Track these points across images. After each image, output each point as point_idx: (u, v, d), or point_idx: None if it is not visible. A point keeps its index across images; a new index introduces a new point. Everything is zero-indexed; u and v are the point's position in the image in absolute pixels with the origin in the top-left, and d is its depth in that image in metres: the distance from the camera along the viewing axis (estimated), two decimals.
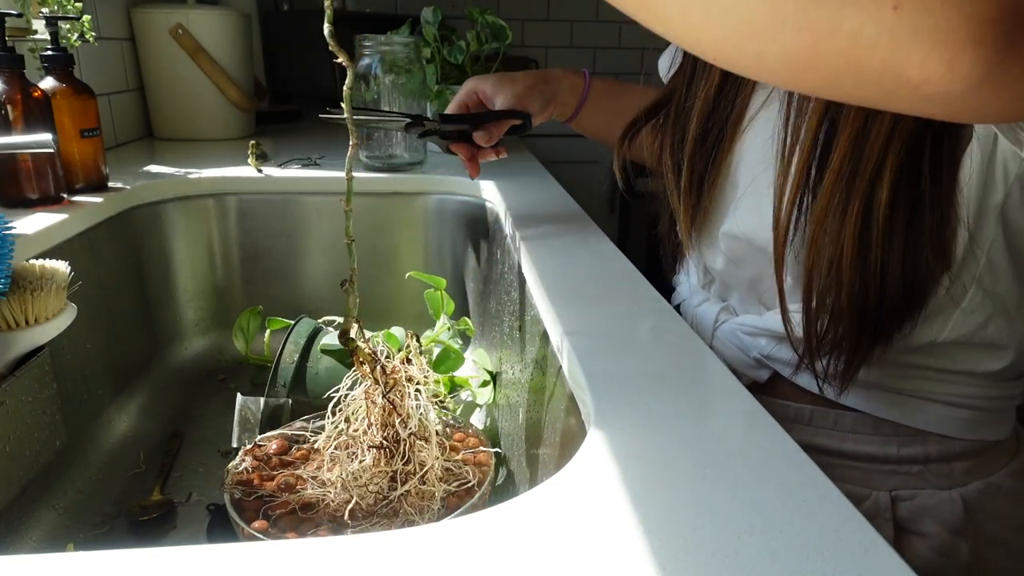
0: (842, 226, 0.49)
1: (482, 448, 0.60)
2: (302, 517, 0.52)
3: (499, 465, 0.68)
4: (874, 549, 0.28)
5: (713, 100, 0.58)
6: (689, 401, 0.40)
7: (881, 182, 0.47)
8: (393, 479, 0.49)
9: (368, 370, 0.49)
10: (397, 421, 0.49)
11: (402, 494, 0.49)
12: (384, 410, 0.49)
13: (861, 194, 0.48)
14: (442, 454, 0.54)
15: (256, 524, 0.51)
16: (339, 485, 0.51)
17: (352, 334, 0.49)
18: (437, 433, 0.53)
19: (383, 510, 0.49)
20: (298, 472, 0.56)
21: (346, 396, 0.51)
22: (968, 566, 0.57)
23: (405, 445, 0.49)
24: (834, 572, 0.27)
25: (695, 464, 0.34)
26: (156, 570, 0.27)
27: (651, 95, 0.78)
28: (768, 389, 0.62)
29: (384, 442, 0.49)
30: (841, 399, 0.56)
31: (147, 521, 0.64)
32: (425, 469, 0.50)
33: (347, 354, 0.51)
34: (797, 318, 0.54)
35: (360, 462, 0.49)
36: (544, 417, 0.54)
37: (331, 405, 0.52)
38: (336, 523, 0.51)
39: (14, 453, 0.56)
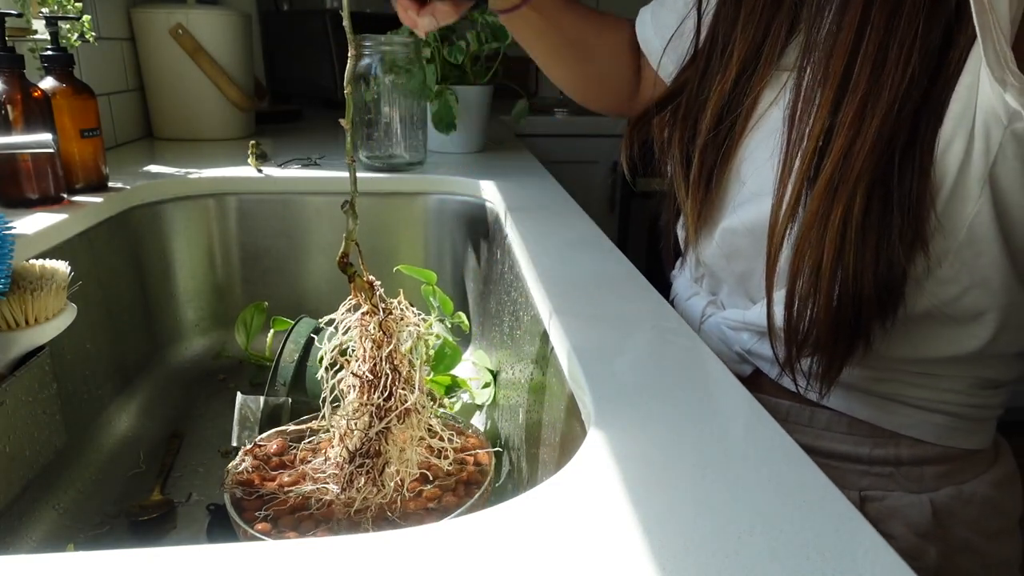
0: (823, 233, 0.49)
1: (482, 449, 0.60)
2: (302, 517, 0.52)
3: (499, 465, 0.68)
4: (874, 549, 0.28)
5: (728, 95, 0.58)
6: (689, 401, 0.40)
7: (859, 189, 0.48)
8: (373, 416, 0.49)
9: (364, 297, 0.49)
10: (384, 354, 0.49)
11: (380, 432, 0.49)
12: (375, 342, 0.49)
13: (843, 202, 0.48)
14: (441, 455, 0.54)
15: (257, 525, 0.51)
16: (335, 437, 0.51)
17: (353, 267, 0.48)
18: (431, 398, 0.53)
19: (364, 448, 0.49)
20: (297, 470, 0.56)
21: (343, 323, 0.51)
22: (936, 571, 0.57)
23: (388, 380, 0.49)
24: (834, 572, 0.27)
25: (695, 464, 0.34)
26: (156, 570, 0.27)
27: (606, 34, 0.76)
28: (749, 384, 0.62)
29: (368, 375, 0.49)
30: (822, 400, 0.57)
31: (147, 521, 0.64)
32: (406, 405, 0.49)
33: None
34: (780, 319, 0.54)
35: (346, 397, 0.50)
36: (544, 417, 0.54)
37: (327, 331, 0.51)
38: (335, 522, 0.51)
39: (14, 453, 0.56)
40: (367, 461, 0.49)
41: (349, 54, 0.46)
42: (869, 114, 0.47)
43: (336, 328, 0.50)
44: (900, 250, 0.48)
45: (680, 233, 0.70)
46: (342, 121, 0.47)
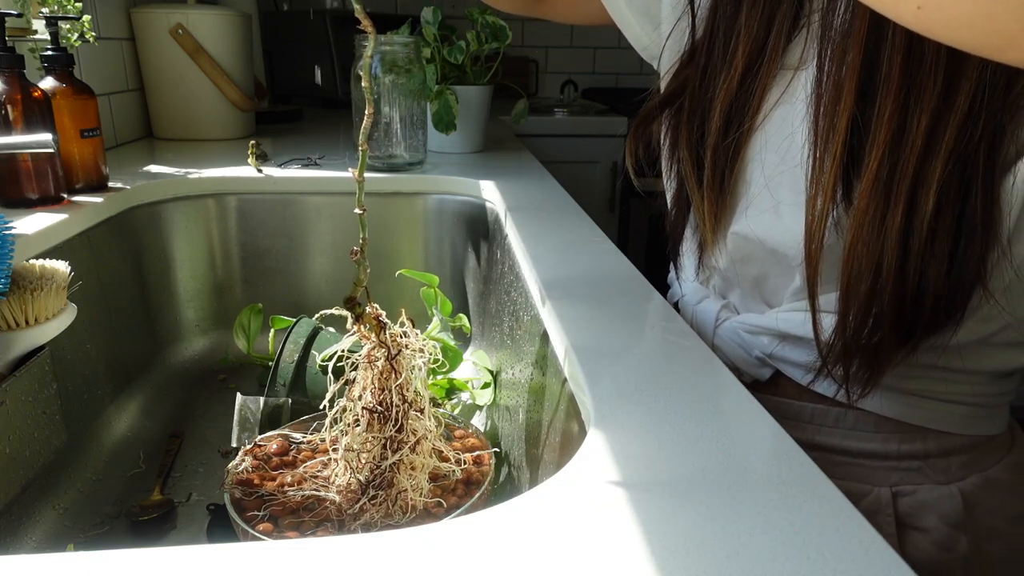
0: (882, 233, 0.48)
1: (481, 449, 0.60)
2: (302, 517, 0.52)
3: (499, 465, 0.68)
4: (874, 549, 0.28)
5: (735, 93, 0.57)
6: (689, 401, 0.40)
7: (926, 192, 0.46)
8: (385, 447, 0.49)
9: (371, 334, 0.49)
10: (394, 386, 0.49)
11: (394, 463, 0.49)
12: (383, 374, 0.49)
13: (903, 201, 0.46)
14: (440, 453, 0.54)
15: (257, 525, 0.51)
16: (340, 466, 0.50)
17: (359, 304, 0.48)
18: (436, 421, 0.52)
19: (376, 481, 0.49)
20: (298, 471, 0.56)
21: (348, 360, 0.50)
22: (967, 558, 0.57)
23: (399, 411, 0.49)
24: (834, 572, 0.27)
25: (695, 464, 0.34)
26: (156, 570, 0.27)
27: None
28: (770, 387, 0.62)
29: (378, 407, 0.49)
30: (855, 402, 0.56)
31: (147, 521, 0.64)
32: (417, 437, 0.49)
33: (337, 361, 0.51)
34: (824, 320, 0.53)
35: (355, 427, 0.49)
36: (544, 417, 0.54)
37: (330, 365, 0.51)
38: (336, 522, 0.51)
39: (14, 453, 0.56)
40: (380, 493, 0.49)
41: (367, 112, 0.45)
42: (914, 110, 0.45)
43: (343, 362, 0.50)
44: (971, 268, 0.47)
45: (691, 237, 0.68)
46: (353, 172, 0.46)
